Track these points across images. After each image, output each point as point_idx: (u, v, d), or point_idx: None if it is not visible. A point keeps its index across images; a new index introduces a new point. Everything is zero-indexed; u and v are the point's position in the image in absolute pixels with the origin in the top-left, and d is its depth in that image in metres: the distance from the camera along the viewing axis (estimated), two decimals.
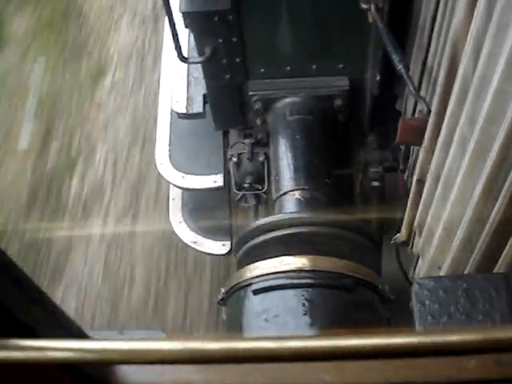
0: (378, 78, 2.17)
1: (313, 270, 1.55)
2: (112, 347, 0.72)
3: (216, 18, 2.05)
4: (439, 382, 0.86)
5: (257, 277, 1.57)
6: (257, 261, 1.63)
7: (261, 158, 2.41)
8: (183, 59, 2.16)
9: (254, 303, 1.55)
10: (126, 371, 0.90)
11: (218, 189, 2.44)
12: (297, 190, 2.13)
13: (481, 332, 0.69)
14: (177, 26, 2.03)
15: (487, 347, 0.69)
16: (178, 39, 2.06)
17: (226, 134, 2.52)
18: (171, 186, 2.58)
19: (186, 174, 2.43)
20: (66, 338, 0.83)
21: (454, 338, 0.68)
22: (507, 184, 1.29)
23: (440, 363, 0.85)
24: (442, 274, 1.70)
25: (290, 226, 1.82)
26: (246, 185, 2.43)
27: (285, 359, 0.69)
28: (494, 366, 0.84)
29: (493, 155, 1.30)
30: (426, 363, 0.84)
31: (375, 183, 2.39)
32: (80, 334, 0.89)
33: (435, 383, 0.86)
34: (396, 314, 1.66)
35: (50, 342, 0.73)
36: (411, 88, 1.76)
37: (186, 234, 2.59)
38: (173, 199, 2.68)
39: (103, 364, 0.87)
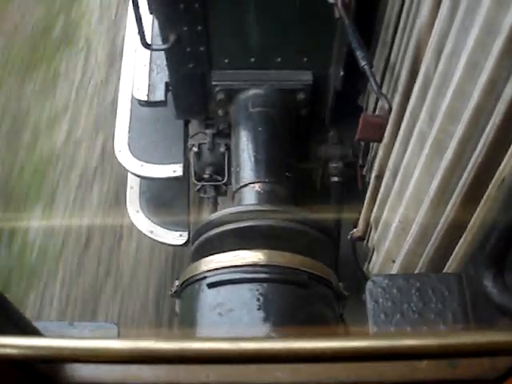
0: (341, 73, 2.18)
1: (268, 265, 1.55)
2: (63, 345, 0.71)
3: (181, 6, 2.02)
4: (392, 381, 0.86)
5: (212, 270, 1.56)
6: (212, 254, 1.62)
7: (222, 149, 2.39)
8: (146, 45, 2.12)
9: (208, 297, 1.54)
10: (76, 368, 0.88)
11: (177, 178, 2.41)
12: (257, 182, 2.13)
13: (436, 337, 0.69)
14: (141, 12, 1.99)
15: (441, 352, 0.70)
16: (141, 25, 2.03)
17: (187, 124, 2.49)
18: (129, 174, 2.54)
19: (144, 162, 2.39)
20: (14, 331, 0.80)
21: (408, 342, 0.69)
22: (462, 181, 1.32)
23: (393, 363, 0.86)
24: (395, 267, 1.72)
25: (247, 218, 1.82)
26: (205, 175, 2.41)
27: (237, 361, 0.68)
28: (446, 367, 0.85)
29: (449, 152, 1.33)
30: (379, 363, 0.85)
31: (335, 178, 2.40)
32: (28, 328, 0.87)
33: (388, 383, 0.86)
34: (353, 308, 1.67)
35: (2, 338, 0.70)
36: (373, 85, 1.77)
37: (142, 223, 2.56)
38: (131, 188, 2.65)
39: (53, 361, 0.85)
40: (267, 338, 0.61)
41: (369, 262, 2.01)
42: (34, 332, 0.89)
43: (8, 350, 0.69)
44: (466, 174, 1.30)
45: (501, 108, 1.16)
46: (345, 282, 2.04)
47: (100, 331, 1.22)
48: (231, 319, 1.47)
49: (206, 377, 0.87)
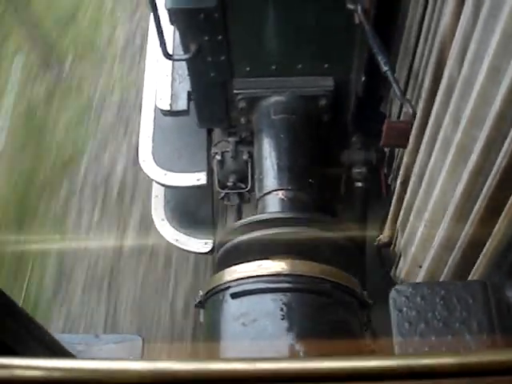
0: (362, 79, 2.17)
1: (291, 275, 1.55)
2: (82, 367, 0.71)
3: (201, 16, 2.04)
4: None
5: (235, 280, 1.56)
6: (236, 263, 1.62)
7: (245, 157, 2.39)
8: (168, 56, 2.14)
9: (231, 307, 1.54)
10: None
11: (201, 187, 2.42)
12: (280, 189, 2.13)
13: (456, 356, 0.68)
14: (162, 23, 2.01)
15: (463, 372, 0.69)
16: (162, 36, 2.04)
17: (210, 132, 2.50)
18: (154, 183, 2.56)
19: (168, 171, 2.41)
20: (38, 349, 0.81)
21: (427, 361, 0.68)
22: (486, 186, 1.31)
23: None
24: (422, 272, 1.71)
25: (271, 227, 1.82)
26: (229, 183, 2.42)
27: (255, 382, 0.68)
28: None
29: (474, 157, 1.32)
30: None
31: (359, 184, 2.39)
32: (52, 345, 0.88)
33: None
34: (380, 315, 1.66)
35: (19, 360, 0.71)
36: (397, 90, 1.76)
37: (168, 231, 2.58)
38: (156, 196, 2.66)
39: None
40: (284, 358, 0.61)
41: (396, 268, 2.00)
42: (60, 350, 0.90)
43: (40, 373, 0.70)
44: (490, 180, 1.29)
45: None
46: (373, 289, 2.04)
47: (125, 344, 1.23)
48: (255, 329, 1.47)
49: None
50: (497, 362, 0.63)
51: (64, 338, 1.15)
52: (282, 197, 2.11)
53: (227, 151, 2.41)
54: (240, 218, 2.44)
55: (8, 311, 0.77)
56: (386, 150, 2.25)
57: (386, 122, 1.73)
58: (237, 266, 1.59)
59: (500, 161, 1.24)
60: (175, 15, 2.08)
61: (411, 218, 1.74)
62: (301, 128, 2.27)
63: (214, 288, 1.60)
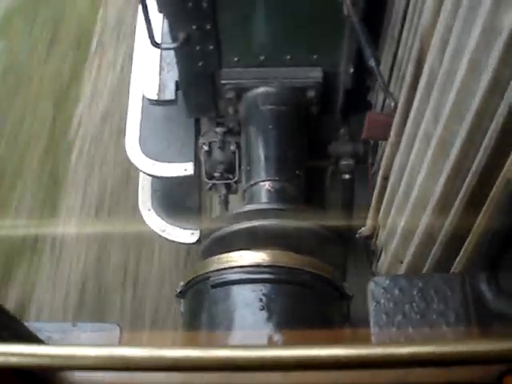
0: (351, 70, 2.16)
1: (271, 266, 1.55)
2: (62, 353, 0.71)
3: (190, 4, 2.02)
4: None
5: (215, 271, 1.56)
6: (219, 253, 1.63)
7: (232, 148, 2.39)
8: (156, 44, 2.13)
9: (211, 297, 1.54)
10: (73, 374, 0.88)
11: (188, 177, 2.42)
12: (267, 180, 2.12)
13: (429, 346, 0.69)
14: (150, 11, 2.00)
15: (435, 361, 0.69)
16: (150, 24, 2.03)
17: (197, 122, 2.49)
18: (141, 173, 2.56)
19: (156, 161, 2.40)
20: (12, 338, 0.81)
21: (402, 351, 0.68)
22: (467, 182, 1.30)
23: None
24: (403, 268, 1.71)
25: (255, 218, 1.82)
26: (216, 174, 2.41)
27: (229, 369, 0.68)
28: (440, 371, 0.85)
29: (454, 152, 1.31)
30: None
31: (346, 176, 2.39)
32: (26, 334, 0.88)
33: None
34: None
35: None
36: (380, 83, 1.75)
37: (154, 221, 2.57)
38: (142, 186, 2.66)
39: (53, 369, 0.86)
40: (236, 346, 0.61)
41: (377, 262, 2.00)
42: (32, 337, 0.90)
43: (8, 358, 0.70)
44: (470, 175, 1.29)
45: (504, 108, 1.14)
46: (359, 281, 2.04)
47: (103, 333, 1.23)
48: (234, 319, 1.47)
49: (200, 378, 0.87)
50: (469, 352, 0.63)
51: (40, 326, 1.15)
52: (269, 188, 2.10)
53: (215, 141, 2.41)
54: (227, 209, 2.44)
55: None
56: (372, 141, 2.25)
57: (367, 115, 1.72)
58: (217, 256, 1.59)
59: (480, 156, 1.24)
60: (163, 3, 2.07)
61: (392, 213, 1.74)
62: (289, 119, 2.27)
63: (194, 278, 1.60)
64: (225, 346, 0.60)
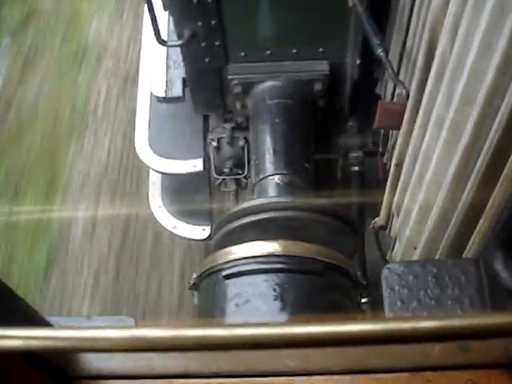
0: (358, 62, 2.16)
1: (283, 255, 1.55)
2: (73, 335, 0.71)
3: (195, 1, 2.03)
4: (404, 368, 0.85)
5: (228, 262, 1.56)
6: (231, 245, 1.62)
7: (241, 143, 2.39)
8: (162, 42, 2.13)
9: (224, 288, 1.54)
10: (87, 358, 0.89)
11: (198, 173, 2.42)
12: (276, 174, 2.12)
13: (445, 319, 0.68)
14: (156, 9, 2.00)
15: (452, 334, 0.69)
16: (156, 22, 2.04)
17: (206, 118, 2.49)
18: (151, 170, 2.56)
19: (165, 158, 2.41)
20: (24, 323, 0.81)
21: (418, 325, 0.68)
22: (479, 163, 1.30)
23: (404, 349, 0.85)
24: (417, 254, 1.71)
25: (265, 210, 1.82)
26: (225, 169, 2.42)
27: (244, 347, 0.68)
28: (458, 352, 0.84)
29: (466, 134, 1.31)
30: (390, 350, 0.84)
31: (355, 168, 2.39)
32: (41, 322, 0.88)
33: (399, 369, 0.85)
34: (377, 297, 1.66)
35: (11, 330, 0.71)
36: (390, 72, 1.75)
37: (165, 218, 2.57)
38: (153, 184, 2.66)
39: (64, 352, 0.86)
40: (262, 323, 0.61)
41: (392, 251, 2.00)
42: (44, 322, 0.90)
43: (19, 342, 0.70)
44: (482, 156, 1.29)
45: None
46: (371, 271, 2.03)
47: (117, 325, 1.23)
48: (248, 310, 1.47)
49: (217, 366, 0.87)
50: (478, 326, 0.63)
51: (55, 321, 1.15)
52: (278, 181, 2.10)
53: (223, 137, 2.41)
54: (237, 204, 2.43)
55: None
56: (382, 131, 2.24)
57: (379, 104, 1.72)
58: (229, 248, 1.59)
59: (491, 138, 1.24)
60: (169, 0, 2.07)
61: (406, 201, 1.74)
62: (296, 112, 2.26)
63: (207, 270, 1.60)
64: (246, 324, 0.60)
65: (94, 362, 0.88)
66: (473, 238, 1.36)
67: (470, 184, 1.32)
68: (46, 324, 0.89)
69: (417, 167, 1.64)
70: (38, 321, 0.88)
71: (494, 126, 1.20)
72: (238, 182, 2.44)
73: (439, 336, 0.61)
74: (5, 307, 0.79)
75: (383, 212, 2.01)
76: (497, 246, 0.86)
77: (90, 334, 0.63)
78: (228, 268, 1.54)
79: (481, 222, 1.29)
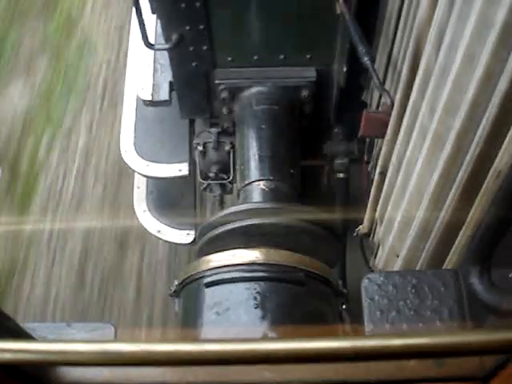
0: (344, 69, 2.16)
1: (265, 264, 1.54)
2: (53, 348, 0.70)
3: (183, 5, 2.02)
4: (379, 380, 0.85)
5: (209, 269, 1.55)
6: (214, 252, 1.62)
7: (227, 148, 2.38)
8: (149, 45, 2.13)
9: (205, 296, 1.54)
10: (65, 370, 0.88)
11: (183, 177, 2.41)
12: (261, 180, 2.12)
13: (422, 337, 0.68)
14: (143, 12, 1.99)
15: (428, 352, 0.69)
16: (144, 25, 2.03)
17: (192, 123, 2.49)
18: (136, 174, 2.55)
19: (150, 162, 2.40)
20: (4, 335, 0.80)
21: (394, 342, 0.68)
22: (460, 174, 1.31)
23: (381, 362, 0.85)
24: (399, 262, 1.72)
25: (249, 217, 1.81)
26: (211, 174, 2.41)
27: (222, 363, 0.67)
28: (433, 366, 0.84)
29: (448, 145, 1.32)
30: (366, 363, 0.84)
31: (341, 175, 2.39)
32: (18, 331, 0.87)
33: (375, 382, 0.85)
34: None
35: None
36: (376, 81, 1.75)
37: (150, 222, 2.57)
38: (137, 187, 2.65)
39: (43, 365, 0.85)
40: (229, 340, 0.60)
41: (375, 257, 2.00)
42: (25, 335, 0.89)
43: (1, 355, 0.69)
44: (464, 168, 1.29)
45: (496, 101, 1.15)
46: (354, 278, 2.02)
47: (97, 332, 1.23)
48: (229, 318, 1.46)
49: (194, 377, 0.87)
50: (464, 343, 0.63)
51: (35, 327, 1.14)
52: (263, 187, 2.10)
53: (209, 142, 2.40)
54: (222, 209, 2.43)
55: None
56: (367, 140, 2.24)
57: (364, 113, 1.73)
58: (211, 256, 1.59)
59: (473, 149, 1.25)
60: (156, 4, 2.07)
61: (389, 208, 1.74)
62: (283, 119, 2.26)
63: (188, 277, 1.59)
64: (217, 340, 0.60)
65: (72, 373, 0.87)
66: (454, 248, 1.37)
67: (451, 195, 1.33)
68: (26, 335, 0.88)
69: (400, 176, 1.65)
70: (18, 331, 0.87)
71: (476, 138, 1.21)
72: (223, 186, 2.43)
73: (410, 354, 0.61)
74: None
75: (367, 220, 2.02)
76: (473, 259, 0.87)
77: (64, 347, 0.63)
78: (209, 276, 1.54)
79: (461, 232, 1.30)
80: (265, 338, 1.14)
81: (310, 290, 1.55)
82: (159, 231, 2.55)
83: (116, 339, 1.20)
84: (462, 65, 1.24)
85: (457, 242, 1.35)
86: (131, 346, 0.62)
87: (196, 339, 1.46)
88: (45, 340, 0.72)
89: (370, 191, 2.02)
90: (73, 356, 0.63)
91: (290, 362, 0.72)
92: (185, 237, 2.53)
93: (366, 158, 2.28)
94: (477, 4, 1.17)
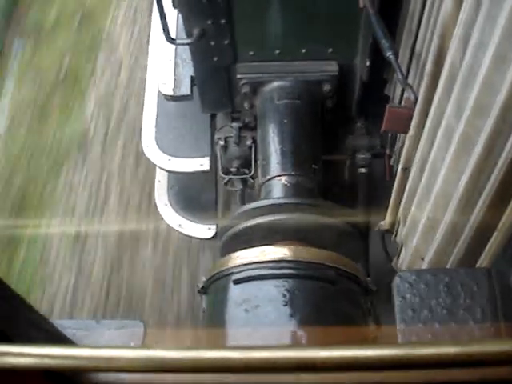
0: (367, 63, 2.15)
1: (294, 261, 1.54)
2: (94, 354, 0.70)
3: None
4: (416, 381, 0.85)
5: (237, 266, 1.55)
6: (239, 248, 1.62)
7: (248, 142, 2.38)
8: (171, 40, 2.12)
9: (234, 293, 1.53)
10: (107, 376, 0.88)
11: (204, 172, 2.42)
12: (283, 175, 2.11)
13: (458, 346, 0.67)
14: (165, 7, 1.99)
15: (465, 362, 0.68)
16: (165, 20, 2.03)
17: (213, 117, 2.49)
18: (157, 168, 2.56)
19: (172, 156, 2.40)
20: (39, 337, 0.81)
21: (427, 351, 0.67)
22: (492, 178, 1.28)
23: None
24: (424, 265, 1.70)
25: (272, 213, 1.81)
26: (232, 169, 2.41)
27: (247, 370, 0.67)
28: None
29: (478, 148, 1.29)
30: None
31: (363, 170, 2.38)
32: (53, 333, 0.87)
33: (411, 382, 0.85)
34: (383, 301, 1.65)
35: (28, 347, 0.70)
36: (399, 75, 1.74)
37: (171, 216, 2.57)
38: (159, 181, 2.66)
39: (85, 371, 0.85)
40: (276, 346, 0.60)
41: (398, 258, 1.98)
42: (62, 338, 0.90)
43: (42, 360, 0.69)
44: (496, 171, 1.27)
45: None
46: (377, 275, 2.02)
47: (126, 330, 1.24)
48: (257, 315, 1.46)
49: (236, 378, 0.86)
50: (497, 352, 0.62)
51: (64, 324, 1.15)
52: (285, 182, 2.09)
53: (231, 136, 2.40)
54: (243, 204, 2.43)
55: (3, 296, 0.76)
56: (389, 134, 2.23)
57: (387, 107, 1.71)
58: (239, 252, 1.59)
59: (506, 153, 1.22)
60: None
61: (413, 209, 1.72)
62: (304, 113, 2.25)
63: (216, 274, 1.59)
64: (260, 346, 0.60)
65: (109, 376, 0.87)
66: (484, 253, 1.35)
67: (481, 199, 1.31)
68: (58, 335, 0.89)
69: (424, 176, 1.63)
70: (51, 332, 0.87)
71: (509, 142, 1.18)
72: (244, 181, 2.43)
73: (448, 364, 0.61)
74: (26, 322, 0.79)
75: (389, 216, 2.00)
76: (510, 260, 0.86)
77: (106, 353, 0.63)
78: (238, 272, 1.54)
79: (493, 237, 1.28)
80: (297, 341, 1.13)
81: (339, 287, 1.54)
82: (180, 225, 2.56)
83: (146, 340, 1.21)
84: (492, 65, 1.22)
85: (487, 247, 1.33)
86: (176, 353, 0.62)
87: (225, 338, 1.46)
88: (86, 346, 0.72)
89: (392, 186, 2.01)
90: (116, 363, 0.63)
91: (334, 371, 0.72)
92: (206, 231, 2.53)
93: (388, 151, 2.27)
94: (508, 2, 1.15)
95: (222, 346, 1.12)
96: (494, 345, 0.63)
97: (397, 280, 1.21)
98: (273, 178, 2.12)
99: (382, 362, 0.64)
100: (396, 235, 1.99)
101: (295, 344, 1.33)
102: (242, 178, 2.42)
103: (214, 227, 2.52)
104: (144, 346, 0.64)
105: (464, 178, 1.35)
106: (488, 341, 0.61)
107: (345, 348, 0.63)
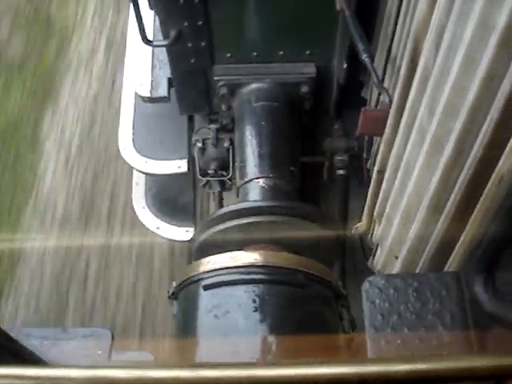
0: (344, 65, 2.15)
1: (264, 266, 1.53)
2: (41, 375, 0.69)
3: (181, 1, 2.01)
4: None
5: (208, 272, 1.54)
6: (212, 253, 1.61)
7: (226, 144, 2.37)
8: (147, 42, 2.11)
9: (204, 299, 1.52)
10: None
11: (182, 174, 2.40)
12: (261, 177, 2.11)
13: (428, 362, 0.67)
14: (142, 8, 1.97)
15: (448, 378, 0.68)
16: (142, 21, 2.01)
17: (191, 119, 2.48)
18: (134, 171, 2.54)
19: (149, 158, 2.39)
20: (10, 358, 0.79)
21: (402, 368, 0.66)
22: (461, 178, 1.29)
23: None
24: (398, 263, 1.70)
25: (249, 215, 1.81)
26: (210, 171, 2.39)
27: None
28: None
29: (448, 149, 1.31)
30: None
31: (341, 171, 2.37)
32: (23, 352, 0.85)
33: None
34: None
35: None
36: (374, 78, 1.74)
37: (149, 219, 2.56)
38: (136, 184, 2.64)
39: None
40: (228, 364, 0.59)
41: (373, 258, 1.99)
42: (30, 355, 0.88)
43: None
44: (465, 171, 1.28)
45: (499, 104, 1.13)
46: (353, 277, 2.02)
47: (94, 337, 1.22)
48: (227, 321, 1.45)
49: None
50: (452, 369, 0.62)
51: (31, 332, 1.13)
52: (263, 185, 2.09)
53: (208, 138, 2.39)
54: (221, 206, 2.42)
55: None
56: (366, 136, 2.23)
57: (362, 110, 1.71)
58: (210, 257, 1.57)
59: (474, 153, 1.23)
60: (155, 0, 2.05)
61: (387, 209, 1.73)
62: (282, 115, 2.25)
63: (186, 279, 1.58)
64: (213, 365, 0.59)
65: None
66: (454, 251, 1.35)
67: (451, 199, 1.32)
68: (27, 354, 0.86)
69: (399, 176, 1.64)
70: (21, 353, 0.85)
71: (477, 142, 1.19)
72: (222, 183, 2.42)
73: (415, 380, 0.60)
74: None
75: (365, 218, 2.01)
76: (477, 267, 0.86)
77: (55, 373, 0.62)
78: (208, 278, 1.52)
79: (462, 236, 1.29)
80: (266, 364, 1.12)
81: (310, 292, 1.53)
82: (158, 228, 2.54)
83: (113, 349, 1.20)
84: (462, 67, 1.22)
85: (457, 246, 1.33)
86: (124, 372, 0.61)
87: (194, 346, 1.45)
88: (37, 366, 0.70)
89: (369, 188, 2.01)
90: (64, 382, 0.62)
91: None
92: (184, 234, 2.52)
93: (365, 155, 2.27)
94: (477, 5, 1.15)
95: (184, 357, 1.10)
96: (444, 362, 0.62)
97: (366, 285, 1.21)
98: (250, 180, 2.12)
99: (331, 381, 0.63)
100: (372, 236, 1.99)
101: (254, 358, 1.32)
102: (219, 180, 2.41)
103: (191, 229, 2.50)
104: (90, 366, 0.63)
105: (435, 178, 1.36)
106: (437, 358, 0.60)
107: (292, 366, 0.62)
